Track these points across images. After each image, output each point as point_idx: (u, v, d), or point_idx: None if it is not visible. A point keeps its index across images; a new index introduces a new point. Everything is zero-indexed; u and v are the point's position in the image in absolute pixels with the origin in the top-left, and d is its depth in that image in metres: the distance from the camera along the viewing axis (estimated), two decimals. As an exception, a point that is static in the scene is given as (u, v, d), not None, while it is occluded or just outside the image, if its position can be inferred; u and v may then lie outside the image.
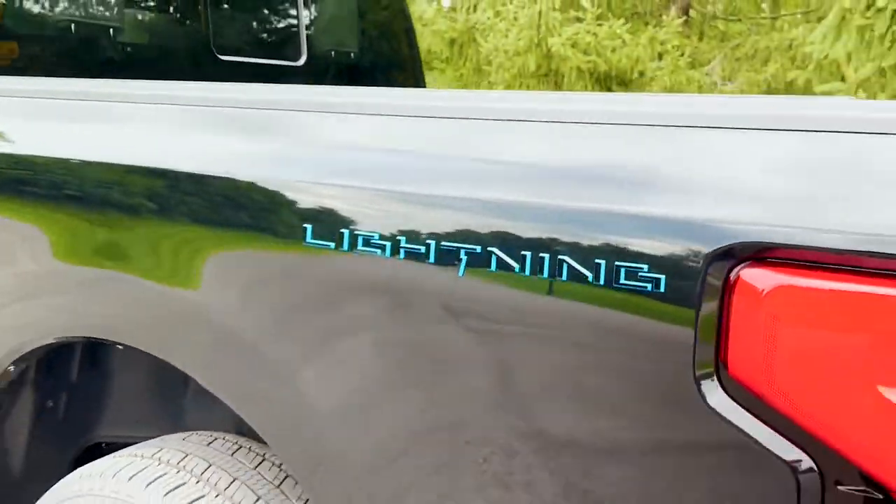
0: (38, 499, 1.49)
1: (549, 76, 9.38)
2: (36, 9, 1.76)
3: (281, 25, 2.42)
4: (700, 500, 0.78)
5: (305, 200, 1.00)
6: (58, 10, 1.79)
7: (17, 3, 1.71)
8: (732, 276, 0.74)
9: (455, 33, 10.19)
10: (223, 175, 1.06)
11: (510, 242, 0.84)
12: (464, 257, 0.87)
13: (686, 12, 11.06)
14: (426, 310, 0.92)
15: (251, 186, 1.04)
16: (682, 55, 9.19)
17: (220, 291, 1.08)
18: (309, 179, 1.01)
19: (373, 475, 0.99)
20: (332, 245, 0.95)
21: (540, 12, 8.94)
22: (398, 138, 1.01)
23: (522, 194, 0.86)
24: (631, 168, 0.83)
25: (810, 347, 0.72)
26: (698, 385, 0.75)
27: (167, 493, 1.22)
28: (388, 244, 0.91)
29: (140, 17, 1.99)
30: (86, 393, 1.64)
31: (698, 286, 0.75)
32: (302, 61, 2.45)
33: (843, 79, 5.31)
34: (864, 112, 0.78)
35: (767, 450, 0.73)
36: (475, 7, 9.96)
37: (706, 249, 0.74)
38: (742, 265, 0.74)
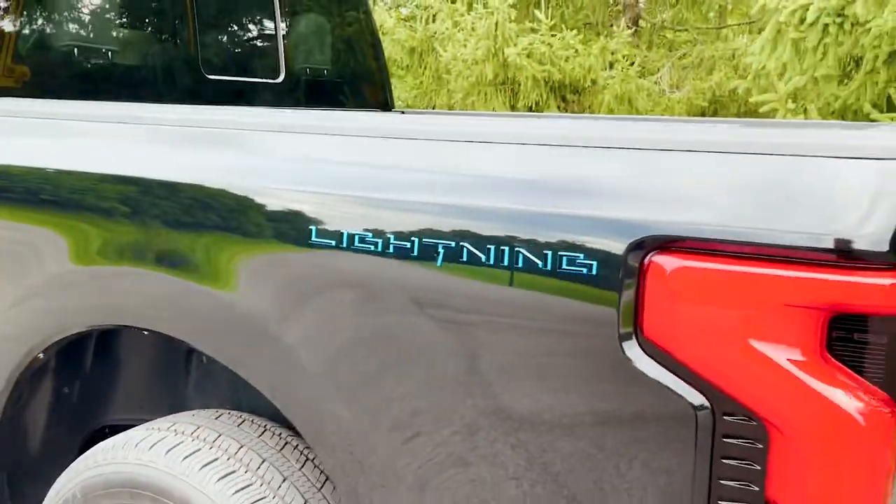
0: (51, 478, 1.68)
1: (506, 84, 9.65)
2: (44, 36, 1.94)
3: (261, 46, 2.62)
4: (623, 430, 1.02)
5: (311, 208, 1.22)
6: (64, 37, 1.98)
7: (27, 32, 1.89)
8: (645, 261, 0.99)
9: (415, 42, 10.41)
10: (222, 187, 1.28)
11: (479, 238, 1.08)
12: (441, 251, 1.11)
13: (636, 23, 11.45)
14: (403, 296, 1.14)
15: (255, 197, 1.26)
16: (632, 64, 9.53)
17: (239, 285, 1.30)
18: (311, 190, 1.24)
19: (369, 442, 1.21)
20: (333, 243, 1.18)
21: (497, 23, 9.20)
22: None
23: (488, 200, 1.10)
24: (568, 180, 1.07)
25: (701, 313, 0.97)
26: (621, 344, 1.00)
27: (184, 458, 1.42)
28: (380, 241, 1.14)
29: (136, 42, 2.18)
30: (95, 382, 1.83)
31: (620, 269, 0.99)
32: (281, 79, 2.66)
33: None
34: (734, 136, 1.03)
35: (672, 391, 0.98)
36: (434, 17, 10.19)
37: (626, 241, 0.99)
38: (652, 253, 0.98)
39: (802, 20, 6.32)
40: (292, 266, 1.23)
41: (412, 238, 1.13)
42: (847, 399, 0.92)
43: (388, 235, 1.14)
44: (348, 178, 1.22)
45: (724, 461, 0.97)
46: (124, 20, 2.14)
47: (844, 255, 0.91)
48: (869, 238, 0.91)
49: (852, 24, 6.06)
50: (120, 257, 1.36)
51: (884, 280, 0.90)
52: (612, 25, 10.59)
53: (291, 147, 1.34)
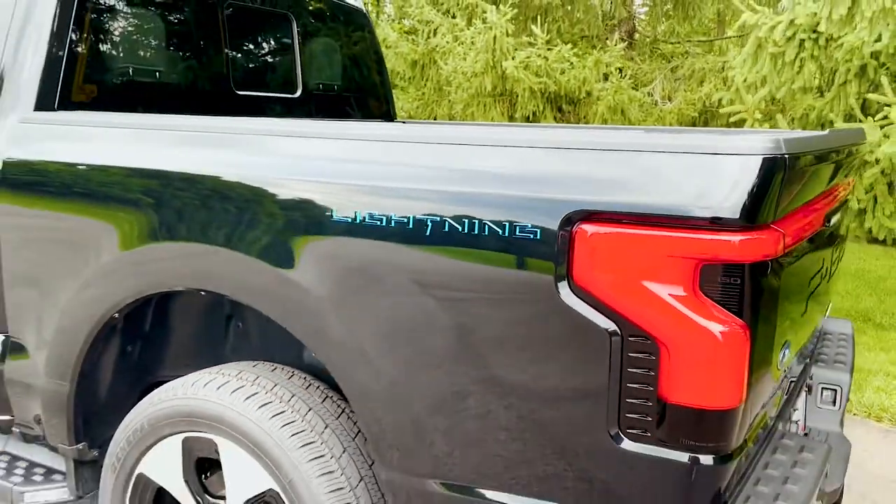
0: (115, 421, 2.08)
1: (504, 96, 10.06)
2: (106, 60, 2.34)
3: (281, 66, 3.03)
4: (559, 350, 1.42)
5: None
6: (122, 60, 2.38)
7: (94, 57, 2.30)
8: (574, 228, 1.38)
9: (417, 55, 10.84)
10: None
11: (458, 215, 1.47)
12: (430, 224, 1.50)
13: (631, 35, 11.87)
14: (401, 261, 1.54)
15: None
16: (625, 76, 9.93)
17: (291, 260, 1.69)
18: (331, 181, 1.64)
19: (394, 396, 1.59)
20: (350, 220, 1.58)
21: (495, 37, 9.60)
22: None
23: (465, 188, 1.50)
24: (521, 172, 1.46)
25: (612, 264, 1.36)
26: (557, 287, 1.39)
27: (232, 392, 1.82)
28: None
29: (179, 63, 2.59)
30: (151, 344, 2.22)
31: (557, 234, 1.39)
32: (298, 94, 3.07)
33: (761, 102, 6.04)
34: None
35: (593, 322, 1.37)
36: (435, 32, 10.60)
37: (560, 215, 1.38)
38: (579, 221, 1.38)
39: (780, 35, 6.73)
40: (321, 241, 1.62)
41: (409, 216, 1.52)
42: (712, 323, 1.31)
43: (391, 215, 1.54)
44: (359, 172, 1.62)
45: (629, 370, 1.36)
46: (169, 46, 2.55)
47: (709, 222, 1.31)
48: (726, 210, 1.30)
49: (826, 40, 6.44)
50: (194, 238, 1.76)
51: (735, 237, 1.29)
52: (606, 39, 11.00)
53: (315, 149, 1.73)
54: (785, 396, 1.94)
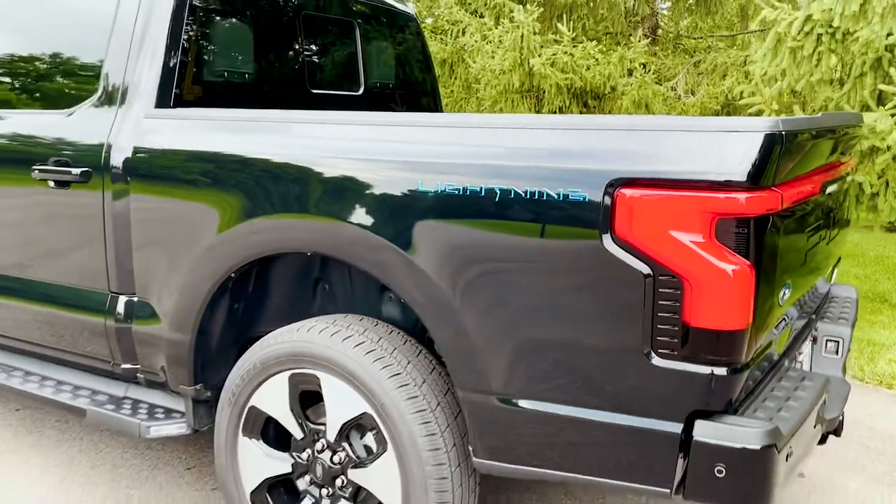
0: (224, 367, 2.49)
1: (532, 92, 10.42)
2: (208, 66, 2.76)
3: (347, 67, 3.43)
4: (604, 289, 1.79)
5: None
6: (219, 66, 2.79)
7: (198, 63, 2.71)
8: (616, 192, 1.76)
9: (446, 55, 11.23)
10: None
11: (517, 182, 1.86)
12: (498, 192, 1.89)
13: (654, 31, 12.17)
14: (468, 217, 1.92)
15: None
16: (649, 71, 10.23)
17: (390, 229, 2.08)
18: (416, 159, 2.03)
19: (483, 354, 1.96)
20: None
21: (522, 36, 9.96)
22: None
23: (530, 163, 1.88)
24: (571, 148, 1.85)
25: (646, 218, 1.73)
26: (601, 238, 1.77)
27: (331, 335, 2.22)
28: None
29: (265, 67, 3.00)
30: (253, 303, 2.63)
31: (602, 196, 1.77)
32: (360, 91, 3.47)
33: (780, 94, 6.35)
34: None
35: (631, 265, 1.75)
36: (464, 31, 10.98)
37: (606, 180, 1.77)
38: (619, 186, 1.76)
39: (799, 30, 7.03)
40: (411, 208, 2.01)
41: (481, 186, 1.91)
42: (725, 264, 1.69)
43: (466, 186, 1.93)
44: (442, 152, 2.01)
45: (660, 302, 1.74)
46: (256, 53, 2.95)
47: (722, 185, 1.68)
48: (735, 175, 1.67)
49: (843, 34, 6.73)
50: (303, 211, 2.17)
51: (742, 196, 1.67)
52: (630, 35, 11.31)
53: (404, 135, 2.13)
54: (790, 340, 2.30)
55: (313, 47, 3.24)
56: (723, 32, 12.07)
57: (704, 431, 1.75)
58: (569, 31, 10.20)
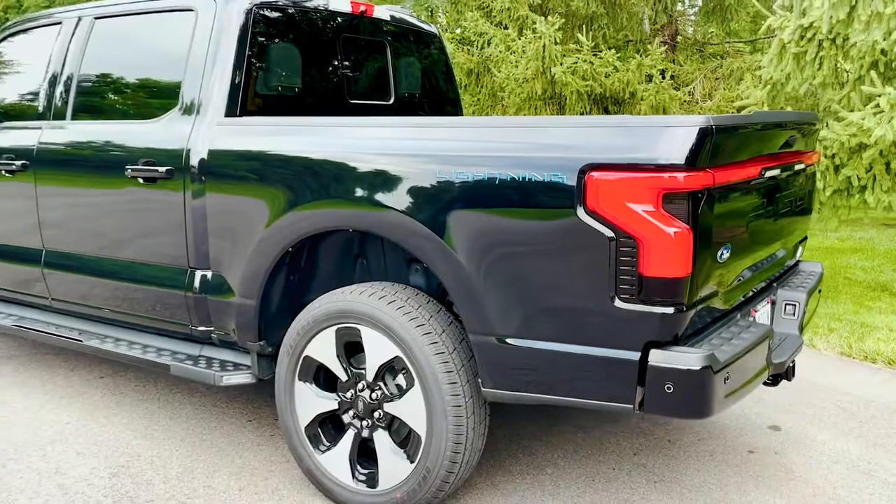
0: (282, 327, 3.06)
1: (554, 99, 10.95)
2: (266, 81, 3.34)
3: (379, 80, 4.01)
4: (576, 251, 2.33)
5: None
6: (275, 81, 3.38)
7: (258, 79, 3.30)
8: (586, 175, 2.30)
9: (472, 65, 11.81)
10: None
11: (512, 168, 2.41)
12: (497, 178, 2.43)
13: (673, 38, 12.62)
14: (476, 200, 2.47)
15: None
16: (667, 77, 10.70)
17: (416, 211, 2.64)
18: (435, 154, 2.58)
19: (493, 310, 2.53)
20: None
21: (544, 46, 10.50)
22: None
23: (522, 154, 2.43)
24: (554, 143, 2.39)
25: (609, 192, 2.27)
26: (576, 210, 2.31)
27: (370, 296, 2.77)
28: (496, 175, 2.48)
29: (312, 81, 3.59)
30: (304, 275, 3.20)
31: (576, 177, 2.31)
32: (391, 101, 4.05)
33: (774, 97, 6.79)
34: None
35: (598, 230, 2.28)
36: (489, 42, 11.55)
37: (578, 166, 2.30)
38: (588, 171, 2.29)
39: (802, 36, 7.47)
40: (431, 191, 2.57)
41: (484, 173, 2.46)
42: (669, 227, 2.21)
43: (473, 173, 2.48)
44: (450, 147, 2.57)
45: (621, 258, 2.27)
46: (304, 69, 3.54)
47: (665, 167, 2.21)
48: (676, 159, 2.20)
49: (843, 40, 7.16)
50: (351, 203, 2.74)
51: (680, 174, 2.19)
52: (649, 43, 11.78)
53: (429, 134, 2.70)
54: (744, 298, 2.81)
55: (351, 63, 3.83)
56: (737, 39, 12.48)
57: (657, 357, 2.28)
58: (589, 40, 10.71)
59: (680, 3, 12.50)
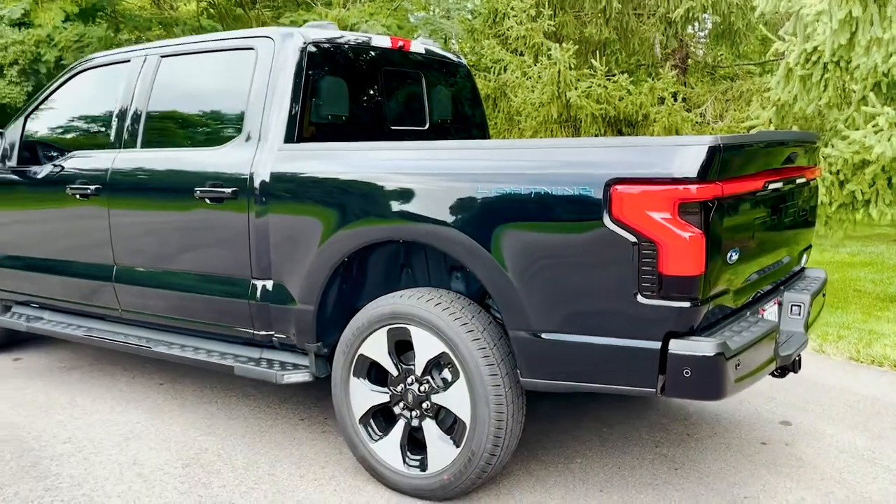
0: (335, 332, 3.42)
1: (569, 122, 11.34)
2: (317, 111, 3.72)
3: (416, 108, 4.40)
4: (604, 253, 2.68)
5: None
6: (325, 111, 3.76)
7: (311, 110, 3.68)
8: (611, 188, 2.65)
9: (490, 90, 12.23)
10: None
11: (539, 184, 2.77)
12: (533, 192, 2.79)
13: (684, 62, 13.02)
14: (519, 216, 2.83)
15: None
16: (678, 100, 11.07)
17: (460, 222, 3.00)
18: (470, 172, 2.95)
19: (528, 312, 2.87)
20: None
21: (559, 71, 10.92)
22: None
23: (556, 170, 2.79)
24: (583, 160, 2.75)
25: (632, 203, 2.62)
26: (603, 219, 2.66)
27: (418, 299, 3.12)
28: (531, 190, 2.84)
29: (358, 110, 3.98)
30: (355, 283, 3.56)
31: (602, 190, 2.66)
32: (427, 127, 4.43)
33: (783, 117, 7.13)
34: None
35: (623, 236, 2.63)
36: (505, 69, 11.98)
37: (604, 180, 2.66)
38: (615, 184, 2.65)
39: (808, 59, 7.82)
40: (474, 205, 2.93)
41: (521, 188, 2.81)
42: (684, 232, 2.56)
43: (519, 186, 2.83)
44: (494, 166, 2.94)
45: (643, 260, 2.61)
46: (350, 98, 3.93)
47: (680, 180, 2.56)
48: (688, 173, 2.55)
49: (847, 63, 7.50)
50: (401, 218, 3.10)
51: (693, 186, 2.54)
52: (661, 67, 12.19)
53: (467, 155, 3.07)
54: (753, 297, 3.14)
55: (391, 93, 4.21)
56: (746, 61, 12.87)
57: (676, 346, 2.61)
58: (602, 65, 11.13)
59: (690, 27, 12.91)
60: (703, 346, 2.60)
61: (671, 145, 2.63)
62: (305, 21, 16.66)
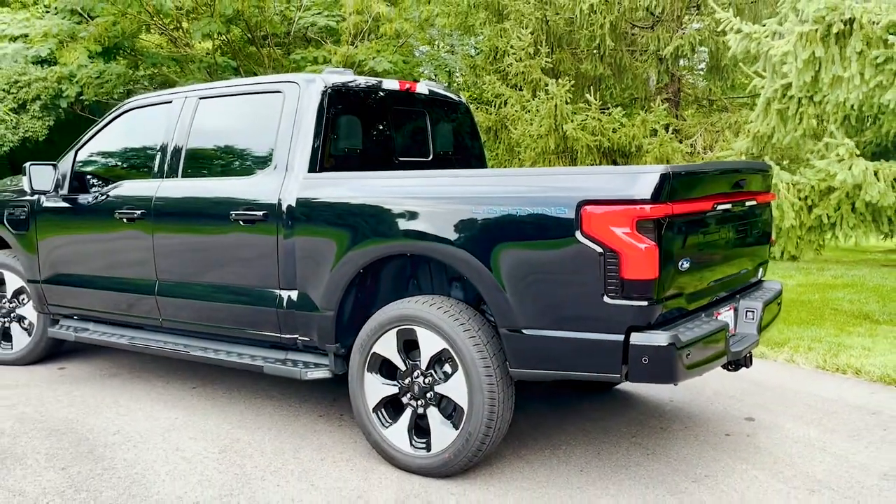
0: (351, 335, 3.98)
1: (566, 153, 11.97)
2: (335, 144, 4.32)
3: (420, 141, 5.01)
4: (573, 263, 3.24)
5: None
6: (343, 144, 4.36)
7: (329, 143, 4.28)
8: (581, 208, 3.23)
9: (490, 123, 12.90)
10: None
11: (523, 205, 3.34)
12: (517, 212, 3.37)
13: (677, 95, 13.68)
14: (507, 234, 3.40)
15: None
16: (669, 132, 11.69)
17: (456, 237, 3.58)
18: (474, 195, 3.53)
19: (515, 314, 3.45)
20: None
21: (556, 105, 11.57)
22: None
23: (533, 193, 3.36)
24: (558, 184, 3.33)
25: (598, 221, 3.19)
26: (575, 234, 3.23)
27: (423, 304, 3.69)
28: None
29: (370, 144, 4.58)
30: (368, 293, 4.12)
31: (574, 210, 3.23)
32: (430, 158, 5.03)
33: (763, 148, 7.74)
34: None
35: (591, 248, 3.20)
36: (505, 103, 12.65)
37: (575, 202, 3.23)
38: (585, 205, 3.22)
39: (784, 94, 8.45)
40: (472, 224, 3.50)
41: (507, 209, 3.39)
42: (640, 244, 3.12)
43: (500, 209, 3.41)
44: (485, 192, 3.52)
45: (608, 267, 3.17)
46: (364, 133, 4.53)
47: (637, 201, 3.13)
48: (645, 195, 3.12)
49: (822, 98, 8.13)
50: (409, 237, 3.68)
51: (647, 206, 3.11)
52: (653, 101, 12.85)
53: (466, 182, 3.65)
54: (709, 302, 3.69)
55: (398, 129, 4.82)
56: (733, 95, 13.53)
57: (636, 338, 3.16)
58: (597, 99, 11.79)
59: (683, 60, 13.59)
60: (657, 338, 3.15)
61: (630, 173, 3.21)
62: (315, 58, 17.45)
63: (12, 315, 5.73)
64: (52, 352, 5.81)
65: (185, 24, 17.57)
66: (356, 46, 16.97)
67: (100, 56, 16.26)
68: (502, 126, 13.01)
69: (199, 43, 18.40)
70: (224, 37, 17.43)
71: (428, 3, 16.09)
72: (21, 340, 5.71)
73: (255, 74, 18.98)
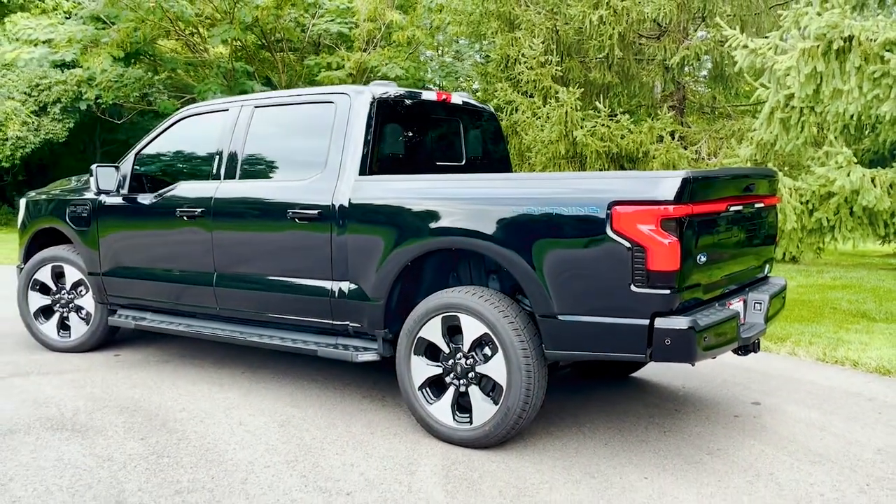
0: (398, 321, 4.43)
1: (575, 158, 12.42)
2: (380, 151, 4.77)
3: (454, 147, 5.46)
4: (604, 256, 3.68)
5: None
6: (386, 150, 4.80)
7: (375, 151, 4.73)
8: (612, 208, 3.67)
9: (502, 129, 13.34)
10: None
11: (552, 205, 3.79)
12: (552, 211, 3.81)
13: (682, 102, 14.14)
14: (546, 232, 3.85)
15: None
16: (675, 138, 12.14)
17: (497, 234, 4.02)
18: (505, 196, 3.97)
19: (550, 301, 3.89)
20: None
21: (566, 112, 12.01)
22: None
23: (568, 195, 3.81)
24: (590, 187, 3.78)
25: (627, 219, 3.64)
26: (606, 231, 3.67)
27: (466, 293, 4.13)
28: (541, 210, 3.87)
29: (409, 149, 5.03)
30: (412, 285, 4.56)
31: (605, 210, 3.68)
32: (463, 162, 5.49)
33: (765, 155, 8.19)
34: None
35: (621, 243, 3.65)
36: (517, 109, 13.09)
37: (606, 202, 3.68)
38: (615, 205, 3.66)
39: (786, 104, 8.91)
40: (509, 220, 3.95)
41: (543, 209, 3.83)
42: (664, 239, 3.57)
43: (536, 208, 3.85)
44: (522, 193, 3.97)
45: (635, 260, 3.62)
46: (405, 139, 4.97)
47: (662, 202, 3.57)
48: (667, 197, 3.57)
49: (822, 108, 8.57)
50: (447, 234, 4.13)
51: (671, 206, 3.56)
52: (659, 108, 13.30)
53: (502, 184, 4.10)
54: (721, 293, 4.13)
55: (436, 136, 5.27)
56: (738, 103, 14.00)
57: (660, 322, 3.60)
58: (605, 106, 12.25)
59: (688, 68, 14.05)
60: (679, 322, 3.59)
61: (655, 177, 3.66)
62: (328, 64, 17.92)
63: (71, 305, 6.18)
64: (106, 340, 6.25)
65: (202, 31, 18.05)
66: (369, 53, 17.44)
67: (119, 60, 16.74)
68: (513, 132, 13.46)
69: (215, 48, 18.89)
70: (239, 41, 17.90)
71: (440, 12, 16.55)
72: (79, 329, 6.15)
73: (269, 79, 19.46)
